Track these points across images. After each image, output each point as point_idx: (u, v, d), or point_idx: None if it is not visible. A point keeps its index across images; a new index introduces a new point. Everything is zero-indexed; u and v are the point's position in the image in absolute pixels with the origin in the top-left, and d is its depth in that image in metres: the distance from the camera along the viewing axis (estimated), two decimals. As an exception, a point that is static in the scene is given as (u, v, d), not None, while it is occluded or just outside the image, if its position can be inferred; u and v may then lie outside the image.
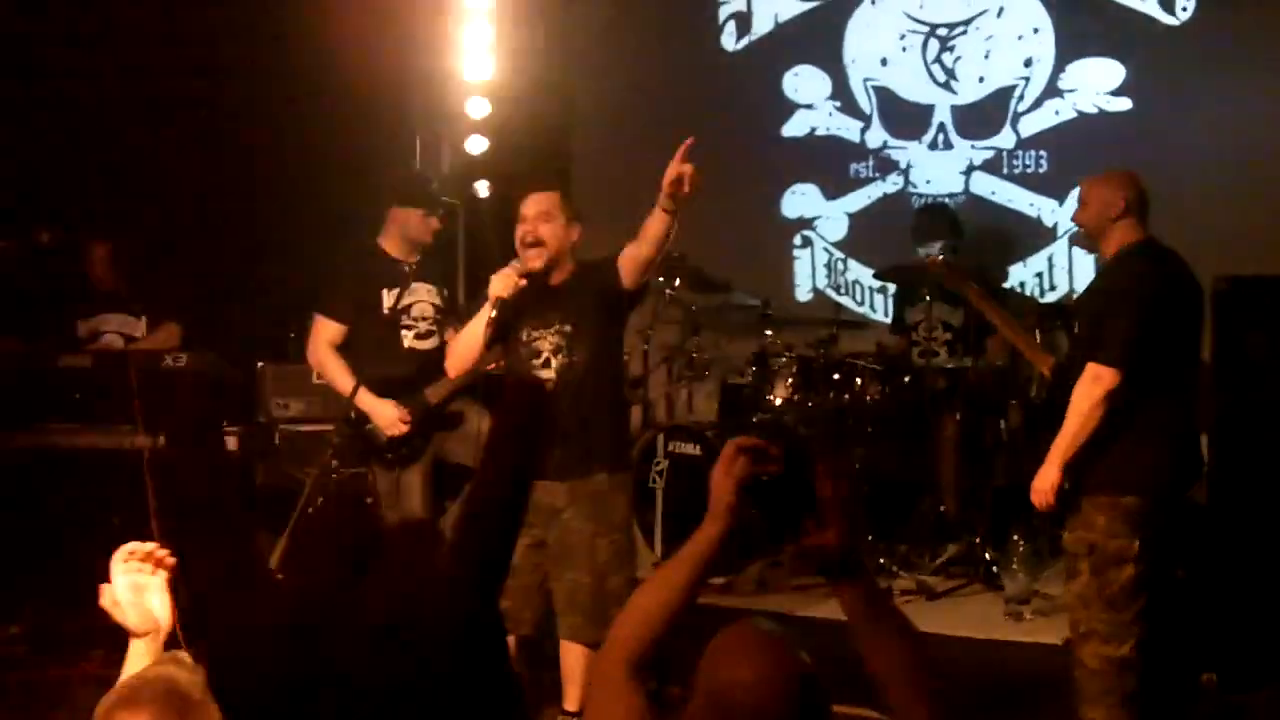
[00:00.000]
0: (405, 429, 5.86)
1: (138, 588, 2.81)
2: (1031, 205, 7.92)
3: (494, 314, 4.97)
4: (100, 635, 5.73)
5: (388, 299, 5.99)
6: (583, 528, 4.97)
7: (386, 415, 5.84)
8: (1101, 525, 4.68)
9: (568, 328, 5.05)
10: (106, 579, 2.83)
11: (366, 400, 5.84)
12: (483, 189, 8.54)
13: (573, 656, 5.06)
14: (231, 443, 6.54)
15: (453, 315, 6.11)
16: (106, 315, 6.93)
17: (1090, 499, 4.71)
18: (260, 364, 7.19)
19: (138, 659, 2.69)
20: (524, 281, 5.00)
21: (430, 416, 5.96)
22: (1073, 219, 5.08)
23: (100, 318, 6.92)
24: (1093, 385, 4.60)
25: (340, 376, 5.93)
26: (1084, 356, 4.69)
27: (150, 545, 2.83)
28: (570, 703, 5.09)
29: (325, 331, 5.99)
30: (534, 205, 5.06)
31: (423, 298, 6.05)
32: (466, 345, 5.18)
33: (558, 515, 4.99)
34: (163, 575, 2.83)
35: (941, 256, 5.34)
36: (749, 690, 2.22)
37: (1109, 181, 4.95)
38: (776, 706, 2.21)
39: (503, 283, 4.98)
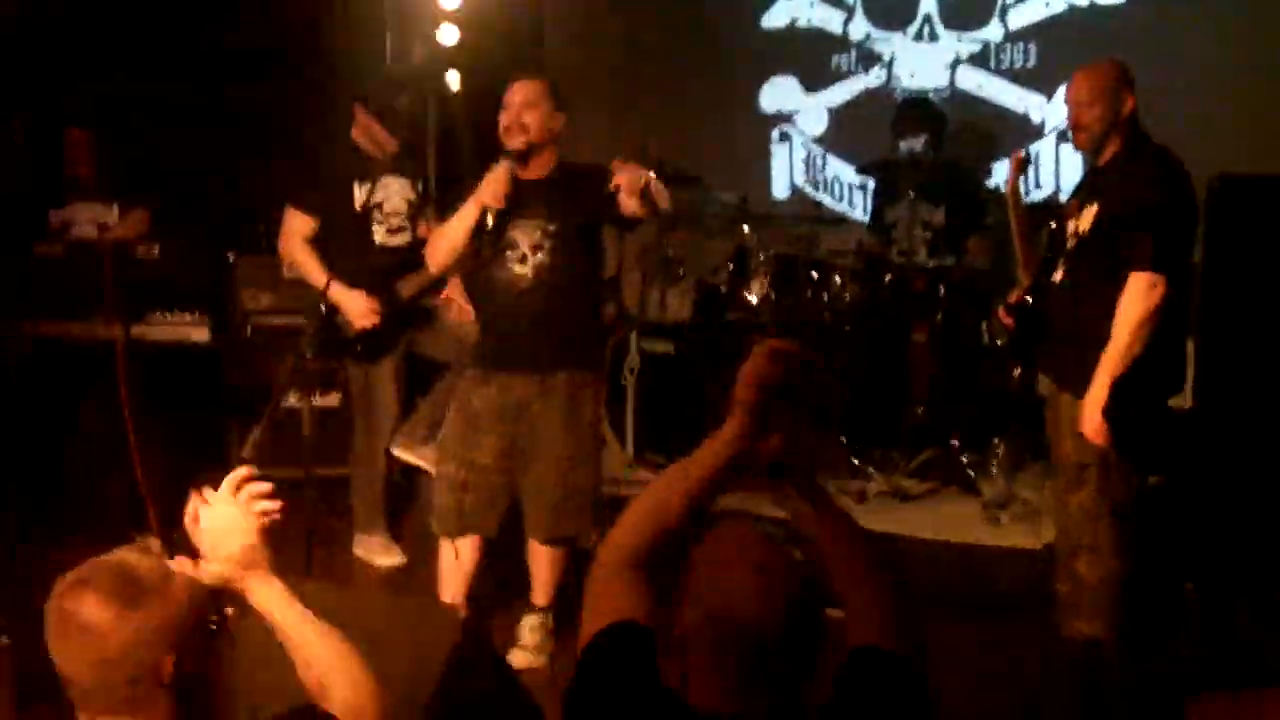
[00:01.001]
0: (376, 320, 5.82)
1: (233, 521, 2.68)
2: (1019, 101, 7.78)
3: (491, 221, 4.90)
4: (74, 522, 5.73)
5: (359, 194, 5.93)
6: (552, 422, 4.98)
7: (357, 306, 5.80)
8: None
9: (551, 226, 4.99)
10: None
11: (338, 292, 5.79)
12: (454, 80, 8.38)
13: (541, 553, 5.11)
14: (202, 334, 6.46)
15: (425, 209, 6.04)
16: (80, 205, 6.81)
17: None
18: (231, 255, 7.09)
19: None
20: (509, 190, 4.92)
21: (401, 311, 5.93)
22: (1076, 120, 4.70)
23: (73, 207, 6.81)
24: (1149, 294, 4.40)
25: (312, 269, 5.87)
26: (1122, 263, 4.46)
27: (265, 486, 2.72)
28: (539, 597, 5.14)
29: (297, 225, 5.93)
30: (519, 92, 4.96)
31: (395, 192, 5.99)
32: (447, 244, 5.04)
33: (526, 410, 5.00)
34: (260, 523, 2.71)
35: (1024, 153, 5.12)
36: (748, 593, 2.18)
37: (1116, 74, 4.67)
38: (775, 608, 2.18)
39: (493, 190, 4.88)
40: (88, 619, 2.29)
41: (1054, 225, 4.93)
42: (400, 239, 5.98)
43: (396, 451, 5.88)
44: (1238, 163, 6.05)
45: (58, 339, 6.18)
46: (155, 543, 2.61)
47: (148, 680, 2.33)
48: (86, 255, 6.39)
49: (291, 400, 6.43)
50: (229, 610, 3.09)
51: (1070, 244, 4.72)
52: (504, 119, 4.97)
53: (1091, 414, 4.48)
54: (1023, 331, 4.95)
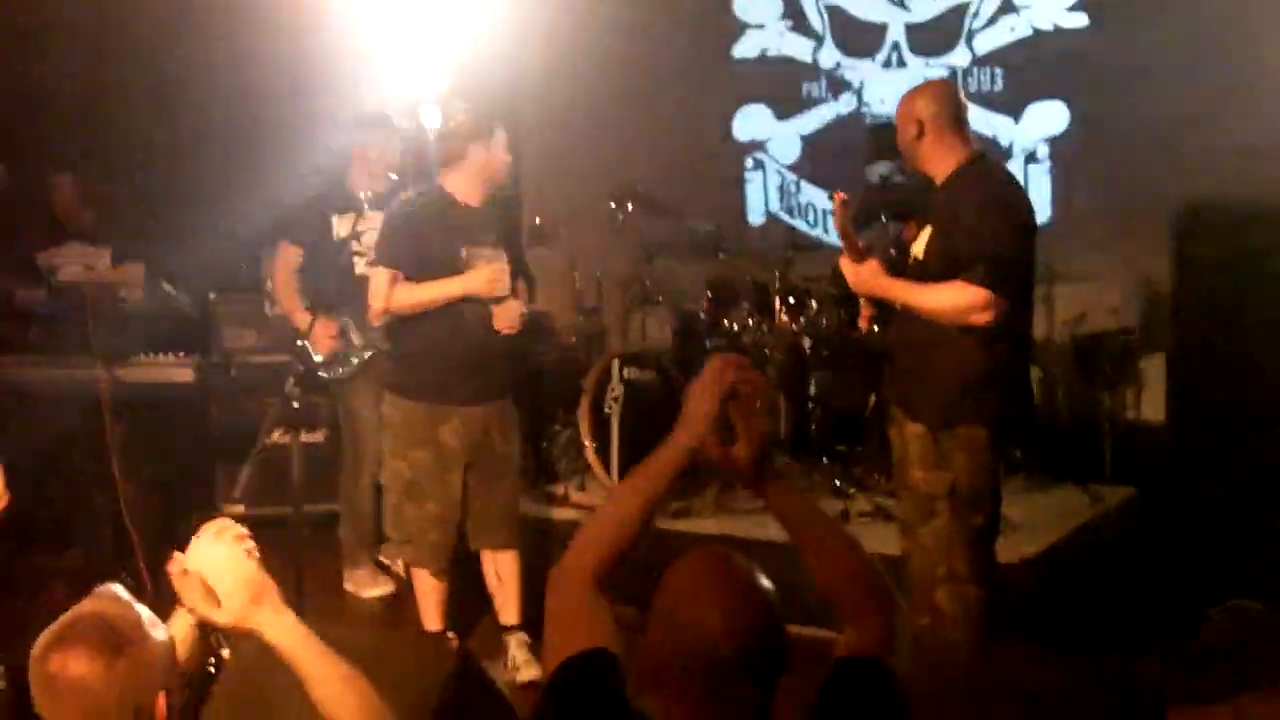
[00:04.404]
0: (335, 346, 6.07)
1: (228, 559, 2.68)
2: (988, 125, 7.83)
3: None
4: (57, 573, 5.75)
5: (339, 225, 6.11)
6: (506, 445, 5.39)
7: (319, 332, 6.02)
8: (961, 462, 4.46)
9: (504, 254, 5.27)
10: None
11: (301, 320, 6.10)
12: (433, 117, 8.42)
13: (509, 566, 5.42)
14: (186, 375, 6.50)
15: None
16: (68, 247, 6.85)
17: (948, 433, 4.45)
18: (213, 295, 7.13)
19: (176, 628, 2.58)
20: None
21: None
22: (899, 142, 4.70)
23: (62, 250, 6.84)
24: (969, 302, 4.31)
25: (285, 299, 6.26)
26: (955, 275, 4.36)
27: (242, 530, 2.66)
28: (513, 616, 5.41)
29: (286, 256, 6.25)
30: (502, 141, 5.28)
31: (376, 227, 6.03)
32: (413, 305, 5.27)
33: (487, 438, 5.32)
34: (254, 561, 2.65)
35: (846, 196, 4.71)
36: (711, 622, 2.22)
37: (909, 100, 4.65)
38: (743, 632, 2.22)
39: (492, 286, 5.19)
40: (76, 675, 2.28)
41: (894, 251, 4.83)
42: None
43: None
44: (1204, 187, 6.16)
45: (41, 381, 6.18)
46: (119, 589, 2.60)
47: (150, 714, 2.34)
48: (71, 298, 6.40)
49: (278, 438, 6.47)
50: (225, 653, 3.12)
51: (908, 270, 4.62)
52: (487, 167, 5.26)
53: (863, 278, 4.57)
54: (874, 359, 4.87)
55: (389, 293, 5.24)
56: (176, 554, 2.67)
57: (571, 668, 2.37)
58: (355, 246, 6.10)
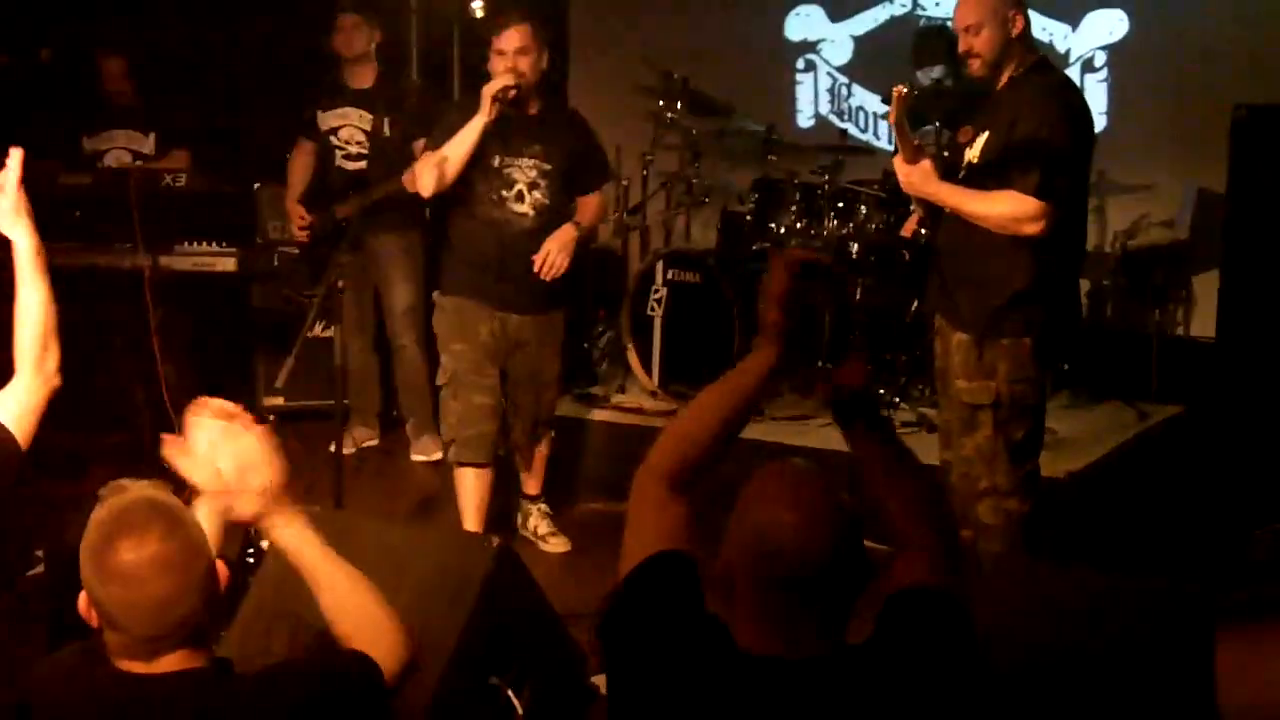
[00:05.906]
0: (302, 236, 6.58)
1: (215, 444, 2.58)
2: (1044, 30, 7.67)
3: (489, 119, 5.04)
4: (98, 457, 5.78)
5: (322, 120, 6.57)
6: (545, 353, 5.48)
7: (292, 219, 6.62)
8: (1004, 372, 4.39)
9: (547, 165, 5.22)
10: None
11: (289, 206, 6.67)
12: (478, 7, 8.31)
13: (541, 455, 5.70)
14: (229, 264, 6.50)
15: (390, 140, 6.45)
16: (114, 131, 6.84)
17: (992, 343, 4.39)
18: (257, 185, 7.11)
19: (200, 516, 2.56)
20: (514, 91, 5.05)
21: (336, 231, 6.38)
22: (967, 47, 4.48)
23: (107, 134, 6.84)
24: (1022, 218, 4.26)
25: (289, 189, 6.72)
26: (1009, 182, 4.29)
27: (233, 407, 2.63)
28: (535, 488, 5.77)
29: (300, 147, 6.69)
30: (511, 40, 5.08)
31: (352, 122, 6.52)
32: (452, 158, 5.10)
33: (524, 345, 5.40)
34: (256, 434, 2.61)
35: (906, 89, 4.57)
36: (792, 531, 2.18)
37: None
38: (819, 546, 2.18)
39: (496, 84, 5.04)
40: (156, 553, 2.26)
41: (946, 154, 4.72)
42: (358, 165, 6.52)
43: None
44: (1260, 93, 6.02)
45: (84, 269, 6.17)
46: (125, 482, 2.57)
47: (213, 593, 2.35)
48: (114, 184, 6.37)
49: (320, 331, 6.52)
50: (264, 544, 3.10)
51: (962, 174, 4.50)
52: (498, 65, 5.08)
53: (915, 179, 4.48)
54: (920, 265, 4.78)
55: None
56: (167, 436, 2.60)
57: (649, 568, 2.36)
58: (333, 140, 6.53)
